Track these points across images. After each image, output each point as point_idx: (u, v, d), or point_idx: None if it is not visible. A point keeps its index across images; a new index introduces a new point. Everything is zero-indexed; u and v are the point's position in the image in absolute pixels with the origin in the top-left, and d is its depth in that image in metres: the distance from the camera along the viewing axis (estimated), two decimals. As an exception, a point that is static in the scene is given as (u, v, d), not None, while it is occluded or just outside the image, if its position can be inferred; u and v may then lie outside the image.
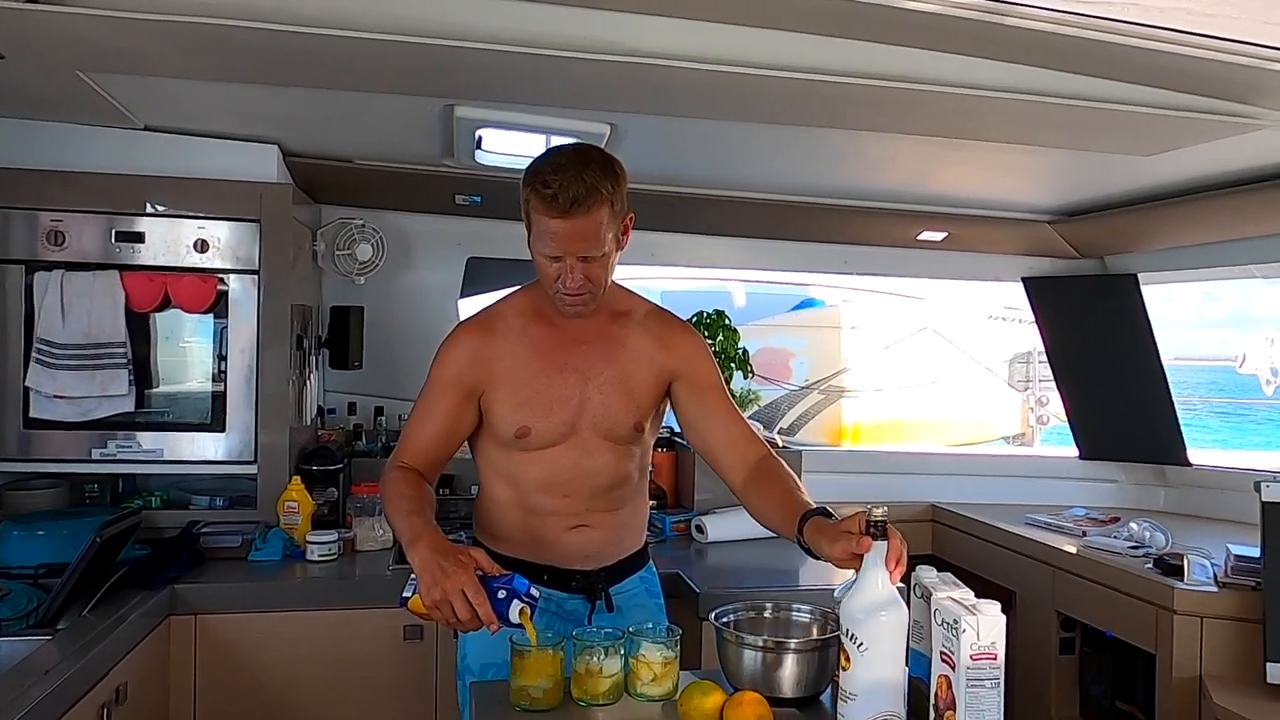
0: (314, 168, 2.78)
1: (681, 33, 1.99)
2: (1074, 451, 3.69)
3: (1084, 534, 3.03)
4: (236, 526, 2.49)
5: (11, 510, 2.40)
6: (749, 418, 3.48)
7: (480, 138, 2.49)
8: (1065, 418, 3.75)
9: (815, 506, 1.58)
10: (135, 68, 2.14)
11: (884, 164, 2.73)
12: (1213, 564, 2.52)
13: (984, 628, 1.27)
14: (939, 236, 3.23)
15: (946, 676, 1.30)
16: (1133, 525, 2.89)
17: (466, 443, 1.81)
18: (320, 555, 2.42)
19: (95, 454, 2.48)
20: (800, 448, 3.51)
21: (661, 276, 4.35)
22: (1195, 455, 3.42)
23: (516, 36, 1.94)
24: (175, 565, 2.25)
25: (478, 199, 3.00)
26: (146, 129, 2.51)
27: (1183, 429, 3.42)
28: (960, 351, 5.95)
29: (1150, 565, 2.59)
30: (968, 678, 1.26)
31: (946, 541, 3.54)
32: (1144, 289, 3.31)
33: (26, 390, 2.41)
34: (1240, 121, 2.08)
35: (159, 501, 2.62)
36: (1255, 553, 2.34)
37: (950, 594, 1.36)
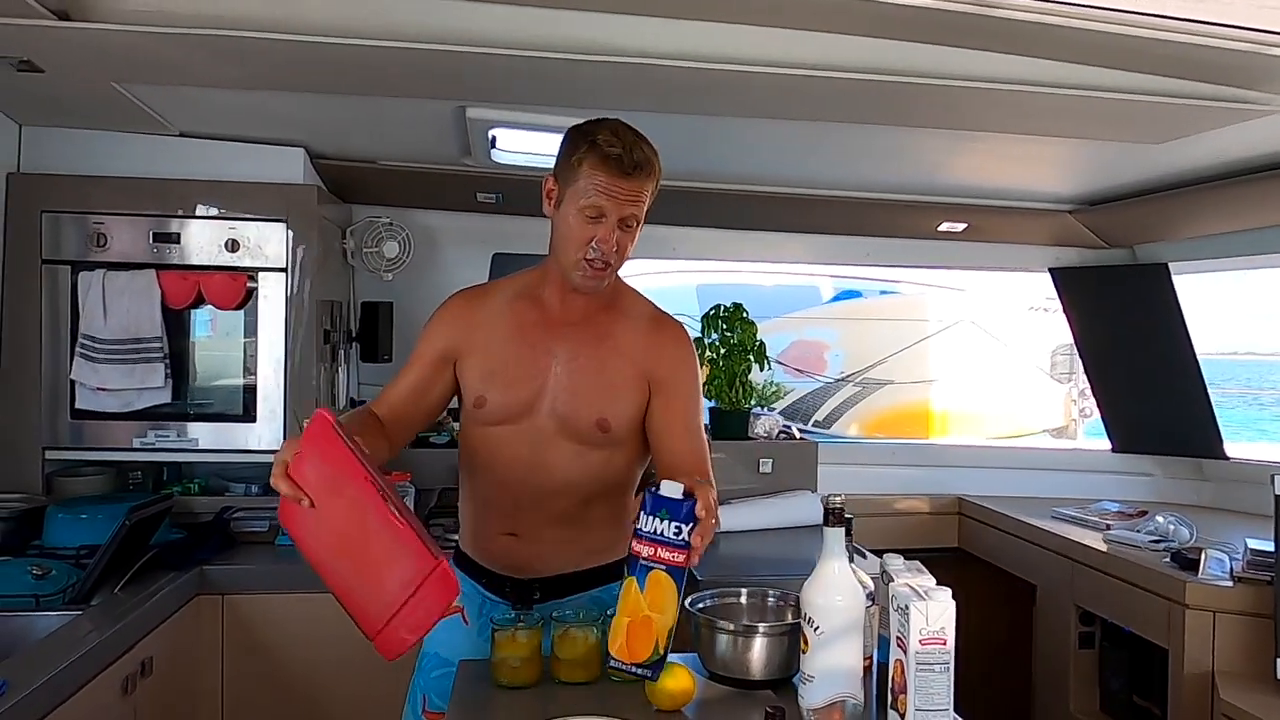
0: (341, 169, 2.90)
1: (686, 33, 2.03)
2: (1109, 443, 3.64)
3: (1107, 527, 2.99)
4: (266, 512, 2.61)
5: (61, 495, 2.57)
6: (774, 411, 3.53)
7: (494, 138, 2.57)
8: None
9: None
10: (167, 78, 2.27)
11: (895, 156, 2.73)
12: (1232, 559, 2.48)
13: (933, 613, 1.30)
14: (959, 227, 3.21)
15: (900, 660, 1.34)
16: (1158, 519, 2.85)
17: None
18: (344, 540, 2.52)
19: (136, 443, 2.63)
20: (826, 440, 3.53)
21: (764, 271, 4.34)
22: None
23: (522, 40, 2.01)
24: (205, 548, 2.39)
25: (497, 197, 3.08)
26: (181, 135, 2.65)
27: (1219, 421, 3.35)
28: (1000, 343, 5.86)
29: (1168, 559, 2.56)
30: (917, 661, 1.30)
31: (972, 534, 3.53)
32: (1186, 279, 3.24)
33: (73, 383, 2.57)
34: (1244, 108, 2.04)
35: (197, 488, 2.76)
36: (1271, 547, 2.30)
37: (909, 580, 1.39)
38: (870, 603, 1.51)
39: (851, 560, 1.59)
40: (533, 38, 2.01)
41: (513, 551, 1.71)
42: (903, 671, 1.33)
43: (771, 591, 1.71)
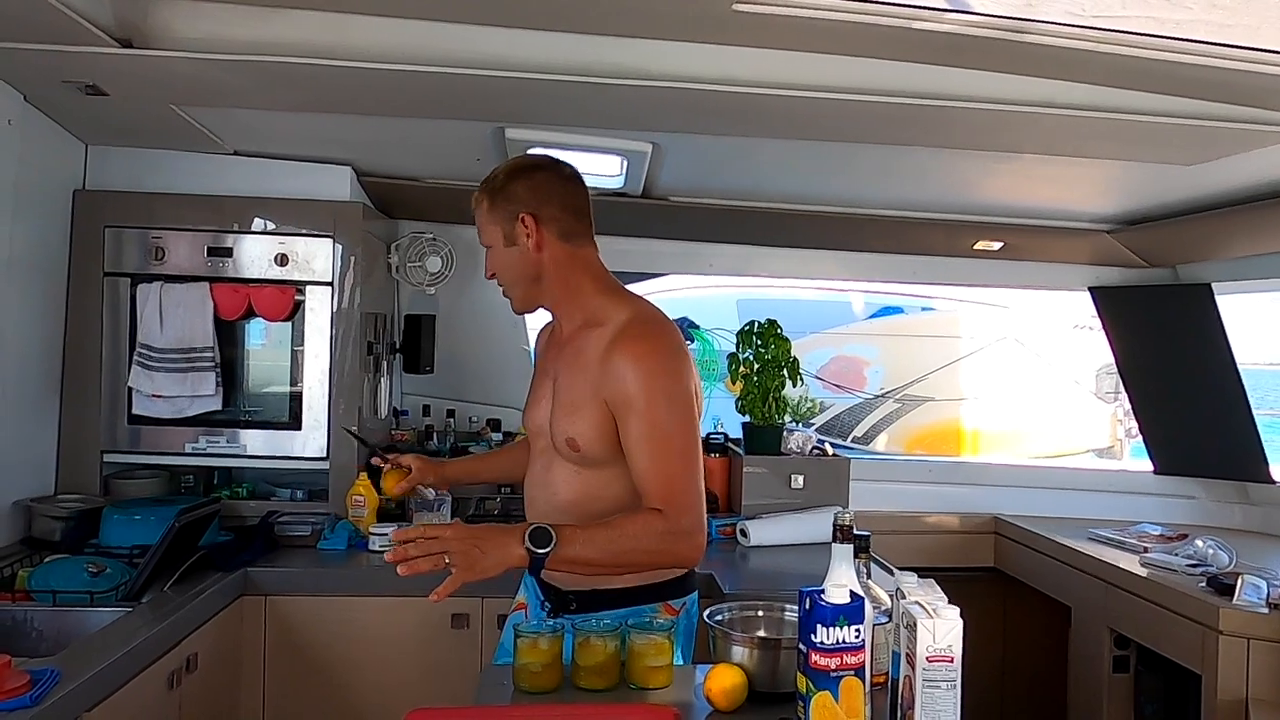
0: (386, 186, 3.00)
1: (719, 57, 2.08)
2: (1150, 464, 3.58)
3: (1145, 550, 2.95)
4: (309, 517, 2.71)
5: (117, 496, 2.69)
6: (812, 426, 3.55)
7: (532, 157, 2.64)
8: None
9: (544, 526, 1.57)
10: (222, 101, 2.39)
11: (930, 175, 2.75)
12: (1270, 585, 2.44)
13: (940, 630, 1.32)
14: (995, 246, 3.20)
15: (909, 677, 1.36)
16: (1198, 543, 2.81)
17: None
18: (381, 546, 2.60)
19: (188, 448, 2.75)
20: (862, 456, 3.53)
21: (804, 286, 4.36)
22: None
23: (561, 65, 2.08)
24: (250, 550, 2.48)
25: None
26: (235, 154, 2.77)
27: (1264, 444, 3.28)
28: (1043, 361, 5.79)
29: (1203, 584, 2.53)
30: (924, 679, 1.32)
31: (1008, 554, 3.50)
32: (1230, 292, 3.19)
33: (130, 390, 2.69)
34: (1278, 130, 2.03)
35: (245, 492, 2.88)
36: (1309, 574, 2.26)
37: (919, 597, 1.42)
38: (887, 619, 1.53)
39: (869, 576, 1.62)
40: (571, 63, 2.08)
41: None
42: (911, 688, 1.35)
43: (790, 607, 1.73)
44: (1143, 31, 1.82)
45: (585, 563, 1.60)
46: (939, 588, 1.52)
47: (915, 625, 1.33)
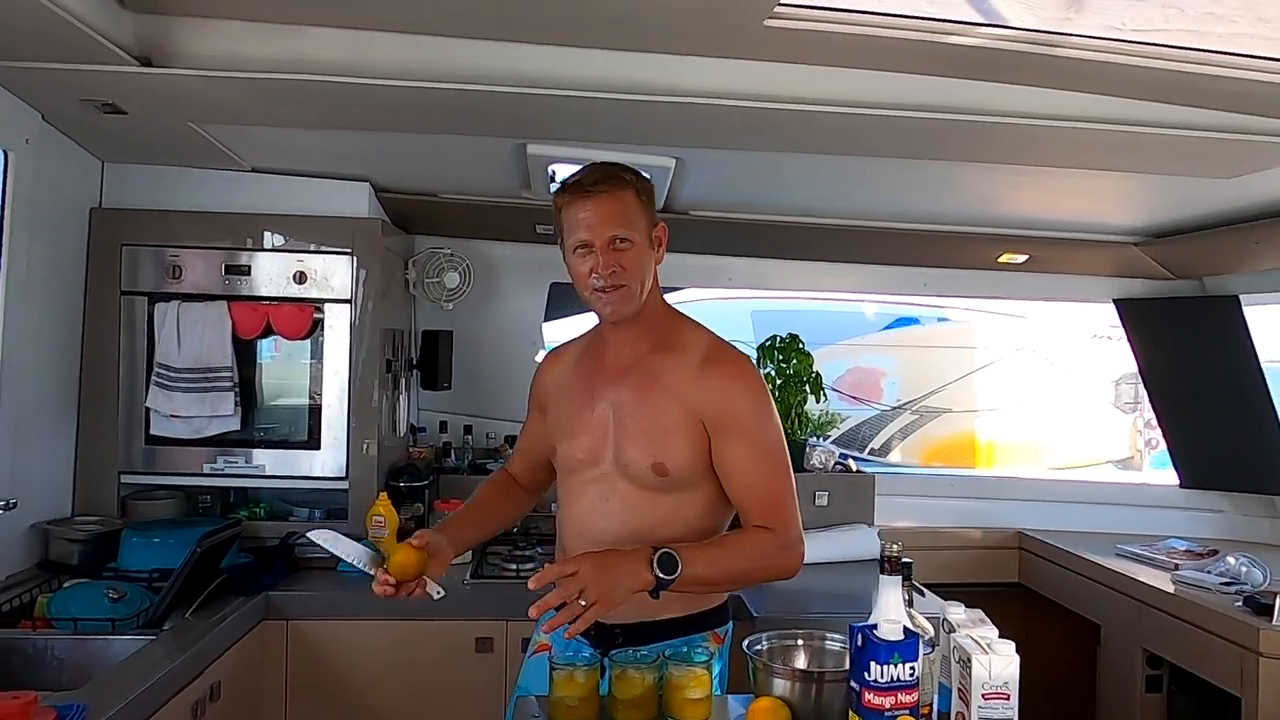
0: (404, 202, 2.97)
1: (745, 72, 2.05)
2: (1176, 478, 3.53)
3: (1176, 567, 2.91)
4: (328, 538, 2.67)
5: (135, 518, 2.65)
6: (830, 441, 3.51)
7: (554, 172, 2.62)
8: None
9: (669, 550, 1.54)
10: (241, 119, 2.37)
11: (956, 188, 2.71)
12: (1309, 605, 2.39)
13: (996, 667, 1.28)
14: (1020, 259, 3.17)
15: (962, 713, 1.32)
16: (1230, 559, 2.76)
17: None
18: (402, 567, 2.57)
19: (206, 468, 2.71)
20: (884, 471, 3.49)
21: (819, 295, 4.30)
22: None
23: (584, 81, 2.05)
24: (271, 573, 2.45)
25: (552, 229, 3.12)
26: (253, 170, 2.74)
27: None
28: (1062, 371, 5.74)
29: (1240, 603, 2.48)
30: (979, 716, 1.28)
31: (1033, 570, 3.45)
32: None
33: (147, 410, 2.66)
34: (1317, 144, 1.99)
35: (263, 512, 2.84)
36: (1351, 594, 2.22)
37: (971, 631, 1.38)
38: (930, 649, 1.49)
39: (911, 604, 1.58)
40: (597, 79, 2.05)
41: None
42: (964, 724, 1.31)
43: (832, 636, 1.69)
44: (1185, 45, 1.79)
45: (705, 583, 1.61)
46: (988, 620, 1.48)
47: (970, 661, 1.29)
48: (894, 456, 5.64)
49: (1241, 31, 1.70)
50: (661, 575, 1.51)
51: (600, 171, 1.69)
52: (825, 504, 2.97)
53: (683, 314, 1.83)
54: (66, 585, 2.24)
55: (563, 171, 2.59)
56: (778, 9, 1.75)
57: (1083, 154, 2.25)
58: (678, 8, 1.72)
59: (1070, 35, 1.79)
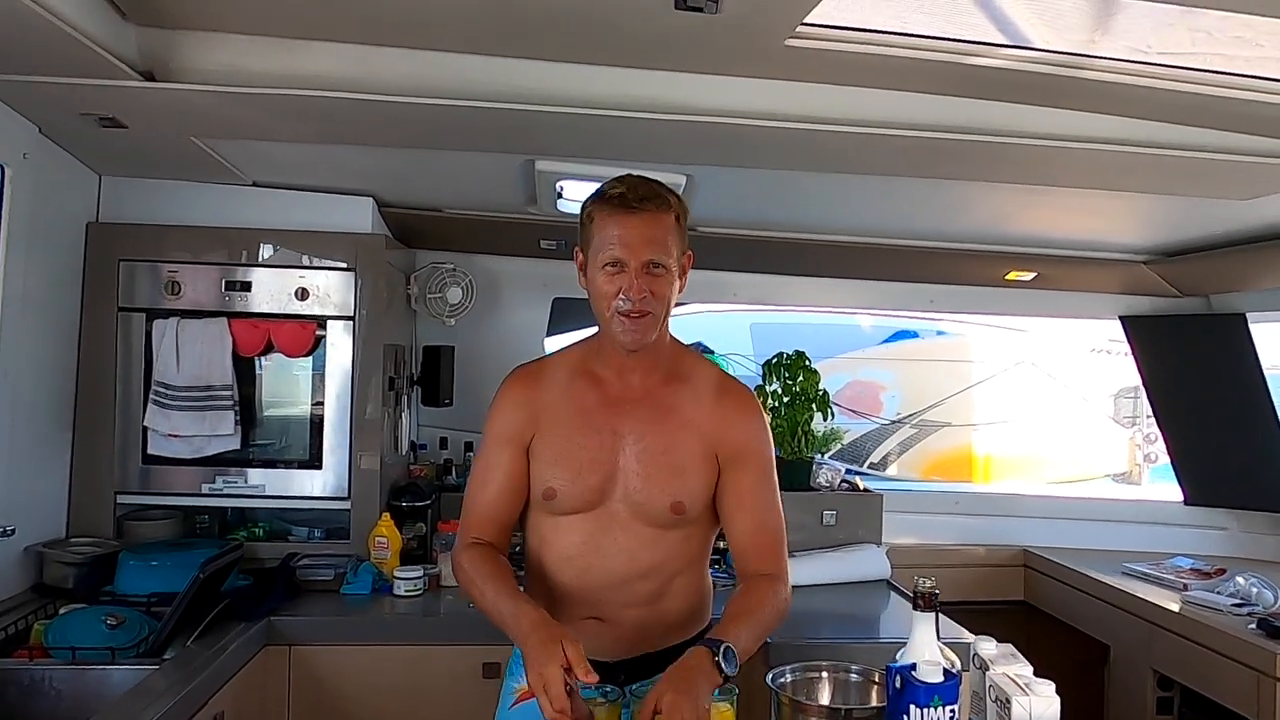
0: (407, 217, 2.92)
1: (759, 91, 2.03)
2: (1180, 494, 3.52)
3: (1185, 587, 2.89)
4: (330, 559, 2.62)
5: (131, 539, 2.59)
6: (831, 456, 3.48)
7: (561, 189, 2.58)
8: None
9: (716, 639, 1.48)
10: (241, 133, 2.32)
11: (964, 207, 2.70)
12: (1323, 627, 2.38)
13: (1037, 709, 1.25)
14: (1028, 276, 3.15)
15: (1000, 755, 1.29)
16: (1239, 580, 2.75)
17: None
18: (407, 590, 2.52)
19: (205, 488, 2.65)
20: (886, 488, 3.46)
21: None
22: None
23: (592, 98, 2.02)
24: (272, 597, 2.39)
25: (560, 243, 3.09)
26: (254, 184, 2.69)
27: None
28: (1061, 385, 5.75)
29: (1253, 626, 2.47)
30: (1020, 759, 1.25)
31: (1039, 588, 3.43)
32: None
33: (145, 429, 2.60)
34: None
35: (262, 533, 2.78)
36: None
37: (1006, 670, 1.35)
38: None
39: (939, 635, 1.55)
40: (608, 96, 2.02)
41: (597, 635, 1.62)
42: (1002, 766, 1.28)
43: (854, 667, 1.65)
44: (1209, 69, 1.78)
45: (748, 656, 1.55)
46: (1020, 655, 1.45)
47: (1009, 702, 1.26)
48: (892, 470, 5.63)
49: (1269, 55, 1.69)
50: (728, 671, 1.45)
51: (646, 187, 1.56)
52: (833, 523, 2.94)
53: (681, 341, 1.76)
54: (63, 611, 2.17)
55: (571, 187, 2.56)
56: (800, 29, 1.72)
57: (1100, 175, 2.23)
58: (702, 29, 1.69)
59: (1096, 58, 1.77)
